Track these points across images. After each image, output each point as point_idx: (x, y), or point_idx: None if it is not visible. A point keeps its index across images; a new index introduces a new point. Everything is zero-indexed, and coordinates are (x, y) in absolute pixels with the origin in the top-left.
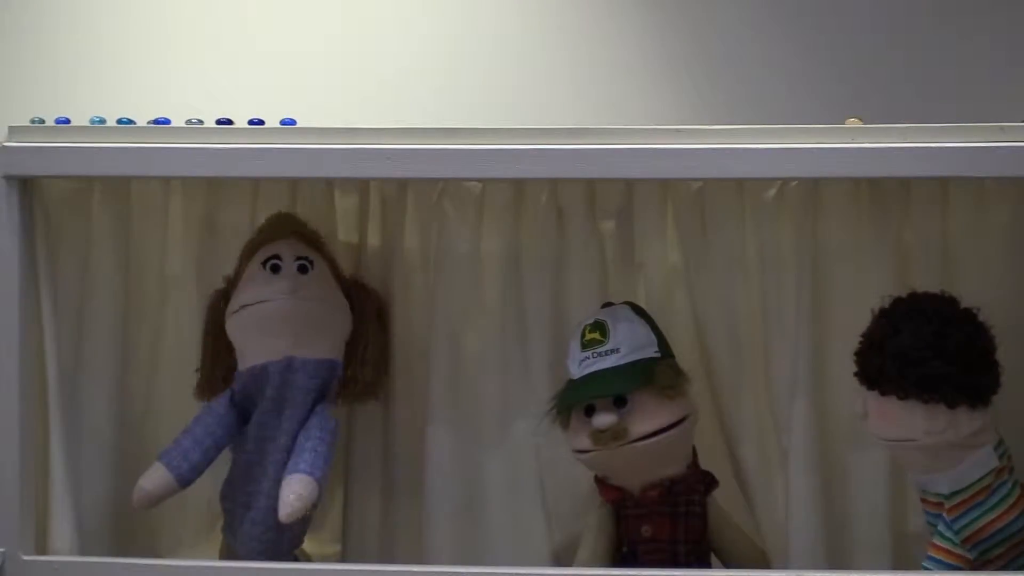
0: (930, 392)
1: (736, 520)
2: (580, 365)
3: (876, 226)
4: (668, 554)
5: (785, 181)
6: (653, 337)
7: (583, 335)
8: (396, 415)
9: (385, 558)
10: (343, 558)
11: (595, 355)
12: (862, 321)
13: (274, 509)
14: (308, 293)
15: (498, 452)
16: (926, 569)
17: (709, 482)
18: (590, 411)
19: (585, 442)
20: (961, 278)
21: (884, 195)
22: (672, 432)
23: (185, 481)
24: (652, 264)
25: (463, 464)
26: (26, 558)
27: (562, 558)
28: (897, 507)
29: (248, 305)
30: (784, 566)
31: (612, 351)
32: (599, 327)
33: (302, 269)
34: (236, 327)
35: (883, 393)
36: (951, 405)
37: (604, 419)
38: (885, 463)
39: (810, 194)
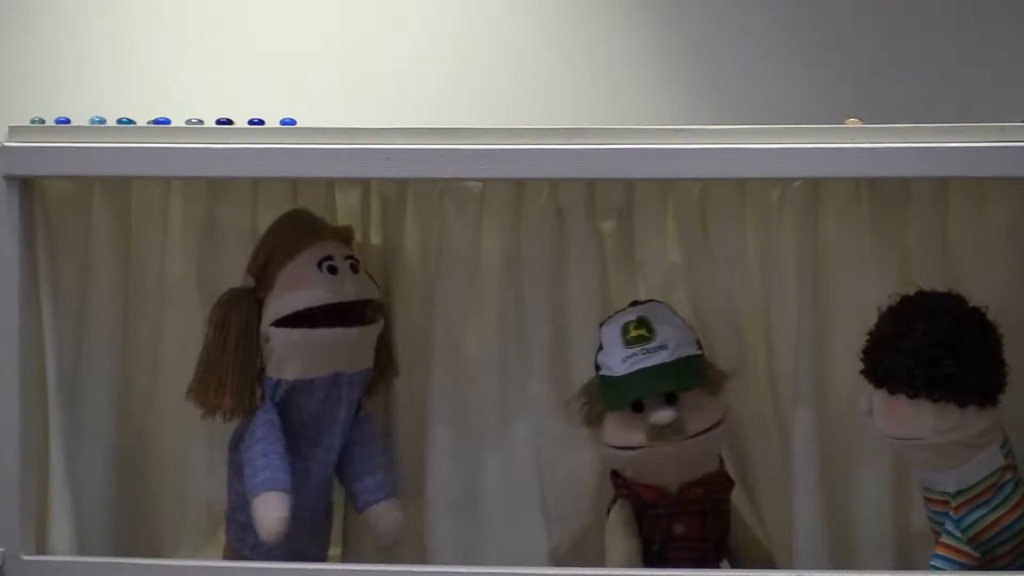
0: (941, 391)
1: (747, 519)
2: (625, 362)
3: (876, 226)
4: (698, 552)
5: (786, 181)
6: (693, 335)
7: (626, 332)
8: (396, 415)
9: (385, 559)
10: (343, 558)
11: (643, 352)
12: (863, 320)
13: (317, 509)
14: (366, 294)
15: (498, 452)
16: (934, 568)
17: (729, 482)
18: (637, 407)
19: (635, 438)
20: (961, 278)
21: (884, 195)
22: (719, 429)
23: (291, 496)
24: (652, 264)
25: (463, 463)
26: (26, 558)
27: (561, 558)
28: (900, 506)
29: (310, 308)
30: (787, 565)
31: (661, 347)
32: (644, 324)
33: (353, 269)
34: (292, 340)
35: (892, 391)
36: (961, 404)
37: (665, 414)
38: (888, 462)
39: (811, 194)
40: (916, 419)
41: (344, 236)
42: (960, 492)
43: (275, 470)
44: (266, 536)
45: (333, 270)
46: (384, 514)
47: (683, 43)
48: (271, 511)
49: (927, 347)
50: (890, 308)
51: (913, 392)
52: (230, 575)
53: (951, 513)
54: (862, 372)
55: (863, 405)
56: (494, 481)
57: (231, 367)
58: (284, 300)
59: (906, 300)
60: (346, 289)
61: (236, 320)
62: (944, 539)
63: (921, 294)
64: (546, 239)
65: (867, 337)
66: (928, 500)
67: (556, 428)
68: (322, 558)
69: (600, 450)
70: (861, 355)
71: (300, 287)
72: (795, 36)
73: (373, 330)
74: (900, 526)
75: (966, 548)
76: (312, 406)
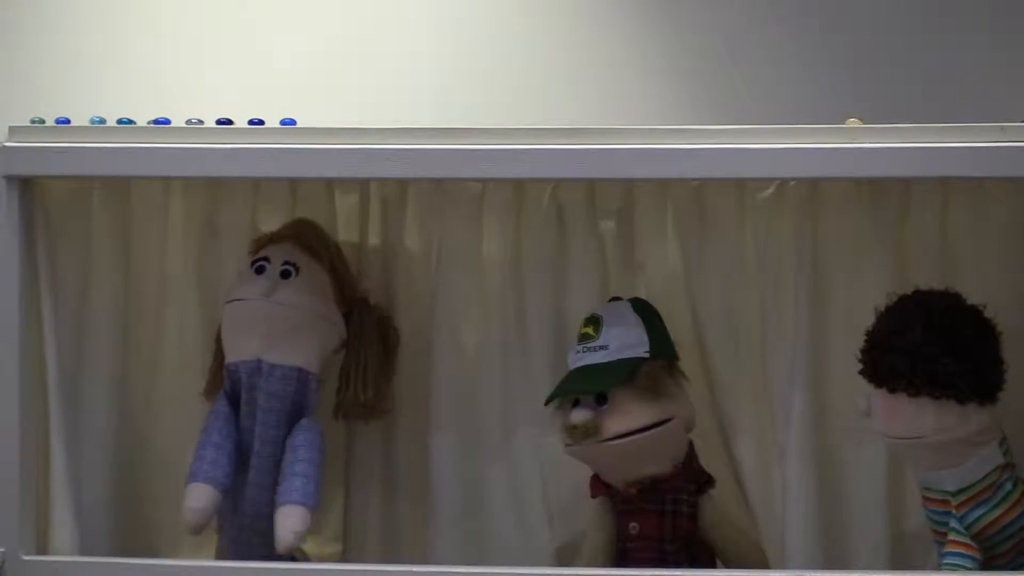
0: (942, 389)
1: (734, 519)
2: (573, 358)
3: (876, 226)
4: (656, 552)
5: (785, 181)
6: (645, 337)
7: (580, 328)
8: (397, 414)
9: (386, 558)
10: (344, 558)
11: (585, 349)
12: (861, 321)
13: (253, 515)
14: (284, 298)
15: (499, 451)
16: (949, 566)
17: (704, 482)
18: (577, 404)
19: (561, 435)
20: (961, 278)
21: (884, 195)
22: (651, 433)
23: (225, 488)
24: (652, 264)
25: (464, 463)
26: (26, 558)
27: (564, 558)
28: (895, 506)
29: (228, 302)
30: (781, 565)
31: (601, 347)
32: (593, 322)
33: (284, 274)
34: (221, 324)
35: (892, 390)
36: (962, 402)
37: (578, 415)
38: (883, 462)
39: (810, 194)
40: (917, 418)
41: (305, 245)
42: (960, 491)
43: (203, 460)
44: (183, 525)
45: (260, 270)
46: (281, 519)
47: (683, 43)
48: (187, 501)
49: (927, 345)
50: (888, 308)
51: (914, 390)
52: (230, 575)
53: (953, 511)
54: (861, 372)
55: (861, 406)
56: (496, 481)
57: (213, 360)
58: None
59: (904, 299)
60: (257, 287)
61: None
62: (952, 536)
63: (918, 293)
64: (546, 239)
65: (865, 337)
66: (927, 500)
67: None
68: (267, 552)
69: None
70: (860, 355)
71: (233, 285)
72: (795, 36)
73: (295, 316)
74: (895, 527)
75: (973, 542)
76: (243, 393)
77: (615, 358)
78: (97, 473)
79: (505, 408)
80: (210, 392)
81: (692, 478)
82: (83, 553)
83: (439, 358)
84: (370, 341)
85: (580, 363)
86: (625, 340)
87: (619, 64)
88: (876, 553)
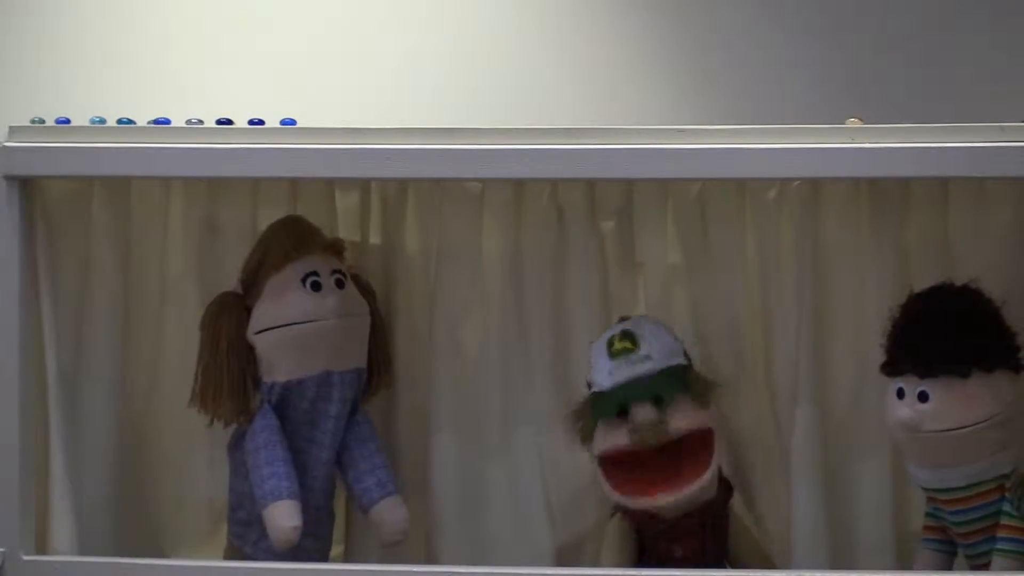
0: (1013, 359)
1: (746, 527)
2: (612, 375)
3: (876, 226)
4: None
5: (785, 181)
6: (679, 346)
7: (610, 345)
8: (397, 415)
9: (387, 559)
10: (345, 558)
11: (628, 363)
12: (863, 321)
13: (313, 520)
14: (349, 309)
15: (500, 451)
16: (1001, 552)
17: (728, 491)
18: (622, 414)
19: (619, 441)
20: (961, 278)
21: (884, 195)
22: (716, 458)
23: (301, 501)
24: (652, 264)
25: (465, 463)
26: (26, 558)
27: (565, 558)
28: (900, 507)
29: (292, 324)
30: (787, 567)
31: (645, 358)
32: (628, 336)
33: (339, 284)
34: (273, 343)
35: (964, 375)
36: (1017, 370)
37: (643, 412)
38: (888, 463)
39: (811, 194)
40: (993, 393)
41: (335, 248)
42: (1015, 470)
43: (281, 478)
44: (281, 545)
45: (316, 286)
46: (388, 511)
47: (683, 43)
48: (283, 520)
49: (987, 322)
50: (911, 300)
51: (988, 365)
52: (230, 575)
53: (1007, 495)
54: (913, 372)
55: (902, 415)
56: (496, 481)
57: (225, 373)
58: (267, 312)
59: (919, 295)
60: (327, 306)
61: (226, 327)
62: (1006, 520)
63: (923, 291)
64: (546, 239)
65: (901, 336)
66: (978, 495)
67: (558, 427)
68: (324, 557)
69: (598, 477)
70: (904, 357)
71: (282, 301)
72: (795, 36)
73: (356, 323)
74: (900, 527)
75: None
76: (304, 405)
77: (663, 366)
78: (97, 473)
79: (505, 408)
80: (243, 412)
81: (724, 488)
82: (83, 553)
83: (439, 358)
84: (378, 318)
85: (626, 376)
86: (666, 349)
87: (619, 64)
88: (882, 554)
